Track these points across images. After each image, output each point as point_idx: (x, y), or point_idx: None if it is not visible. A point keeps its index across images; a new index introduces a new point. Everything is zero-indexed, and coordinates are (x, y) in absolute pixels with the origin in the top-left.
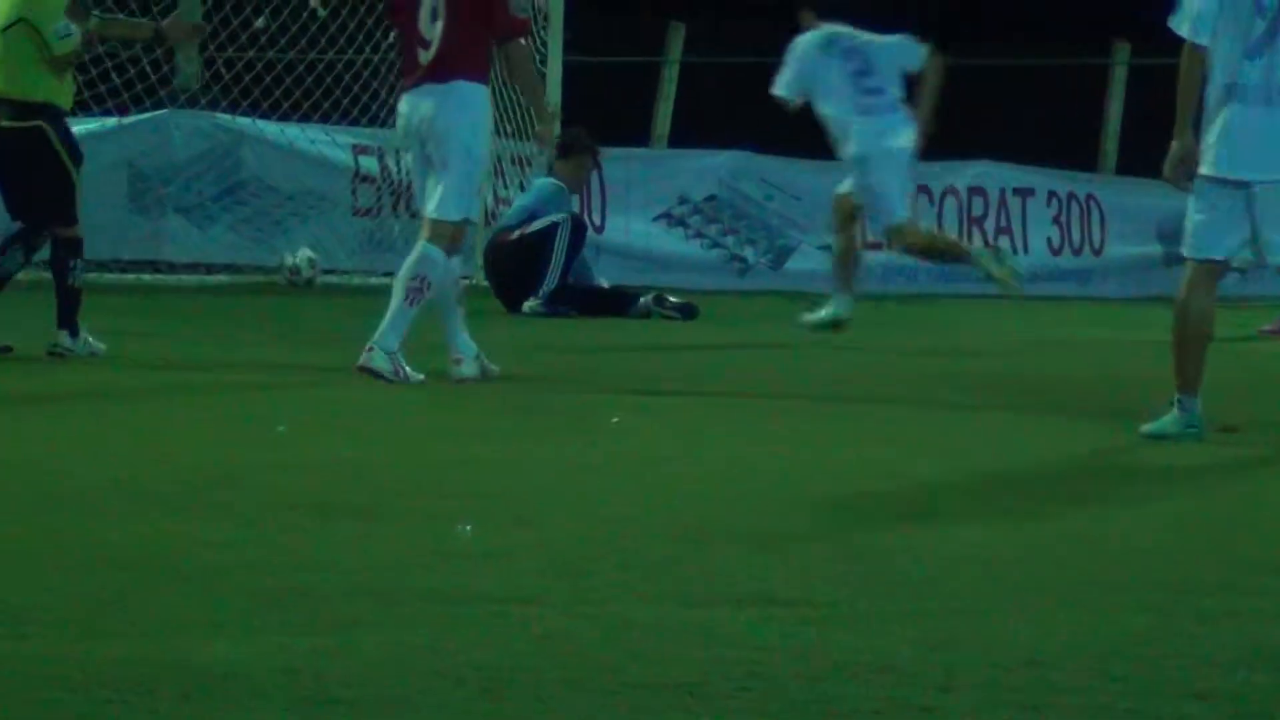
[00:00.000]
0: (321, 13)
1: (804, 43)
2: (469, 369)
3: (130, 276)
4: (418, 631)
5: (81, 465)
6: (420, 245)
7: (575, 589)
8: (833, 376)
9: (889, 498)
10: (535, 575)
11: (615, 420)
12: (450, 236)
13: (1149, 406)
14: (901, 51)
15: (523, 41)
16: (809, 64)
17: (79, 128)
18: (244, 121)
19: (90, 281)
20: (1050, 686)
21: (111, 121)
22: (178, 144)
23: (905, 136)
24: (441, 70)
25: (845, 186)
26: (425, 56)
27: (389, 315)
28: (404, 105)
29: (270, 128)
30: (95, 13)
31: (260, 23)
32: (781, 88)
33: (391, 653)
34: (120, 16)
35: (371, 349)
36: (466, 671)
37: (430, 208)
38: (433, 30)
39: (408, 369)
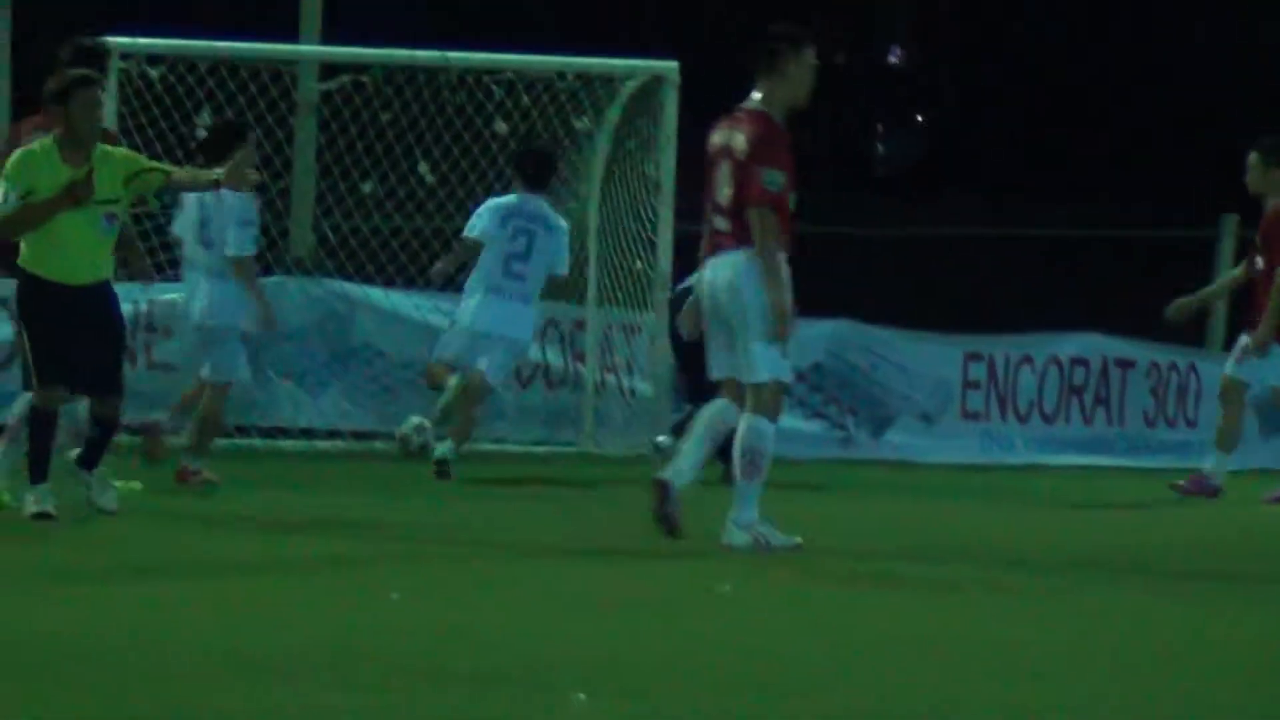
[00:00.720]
0: (430, 179)
1: (493, 204)
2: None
3: (242, 442)
4: None
5: (196, 635)
6: (747, 418)
7: None
8: (937, 547)
9: (999, 668)
10: None
11: (726, 589)
12: (774, 400)
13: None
14: (557, 255)
15: (766, 213)
16: (486, 221)
17: None
18: (354, 288)
19: None
20: None
21: None
22: (290, 310)
23: (524, 329)
24: (737, 237)
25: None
26: (722, 224)
27: (736, 494)
28: (707, 272)
29: (377, 293)
30: (159, 164)
31: (368, 188)
32: (468, 230)
33: None
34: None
35: (728, 526)
36: None
37: (750, 376)
38: (726, 198)
39: (772, 535)
